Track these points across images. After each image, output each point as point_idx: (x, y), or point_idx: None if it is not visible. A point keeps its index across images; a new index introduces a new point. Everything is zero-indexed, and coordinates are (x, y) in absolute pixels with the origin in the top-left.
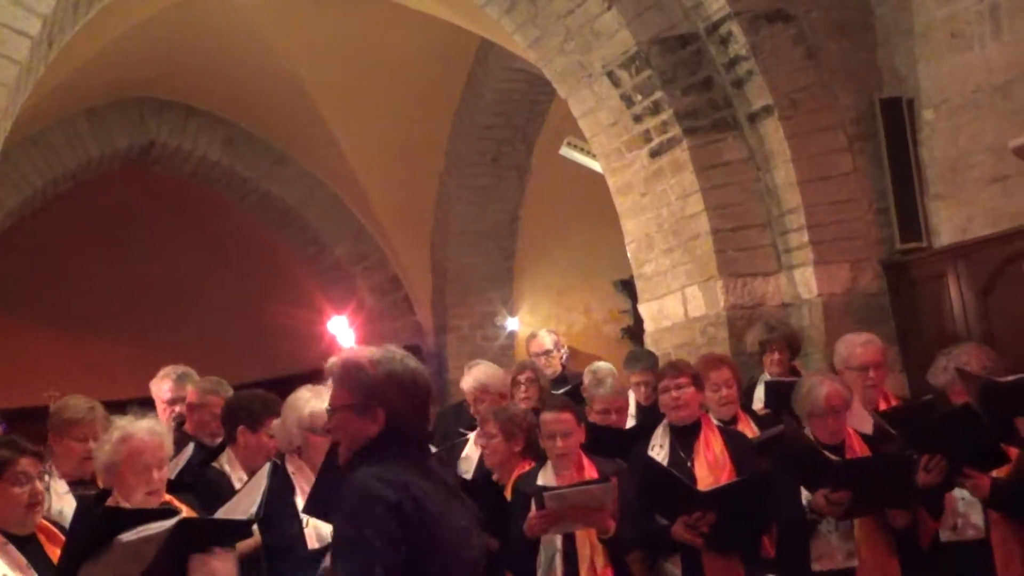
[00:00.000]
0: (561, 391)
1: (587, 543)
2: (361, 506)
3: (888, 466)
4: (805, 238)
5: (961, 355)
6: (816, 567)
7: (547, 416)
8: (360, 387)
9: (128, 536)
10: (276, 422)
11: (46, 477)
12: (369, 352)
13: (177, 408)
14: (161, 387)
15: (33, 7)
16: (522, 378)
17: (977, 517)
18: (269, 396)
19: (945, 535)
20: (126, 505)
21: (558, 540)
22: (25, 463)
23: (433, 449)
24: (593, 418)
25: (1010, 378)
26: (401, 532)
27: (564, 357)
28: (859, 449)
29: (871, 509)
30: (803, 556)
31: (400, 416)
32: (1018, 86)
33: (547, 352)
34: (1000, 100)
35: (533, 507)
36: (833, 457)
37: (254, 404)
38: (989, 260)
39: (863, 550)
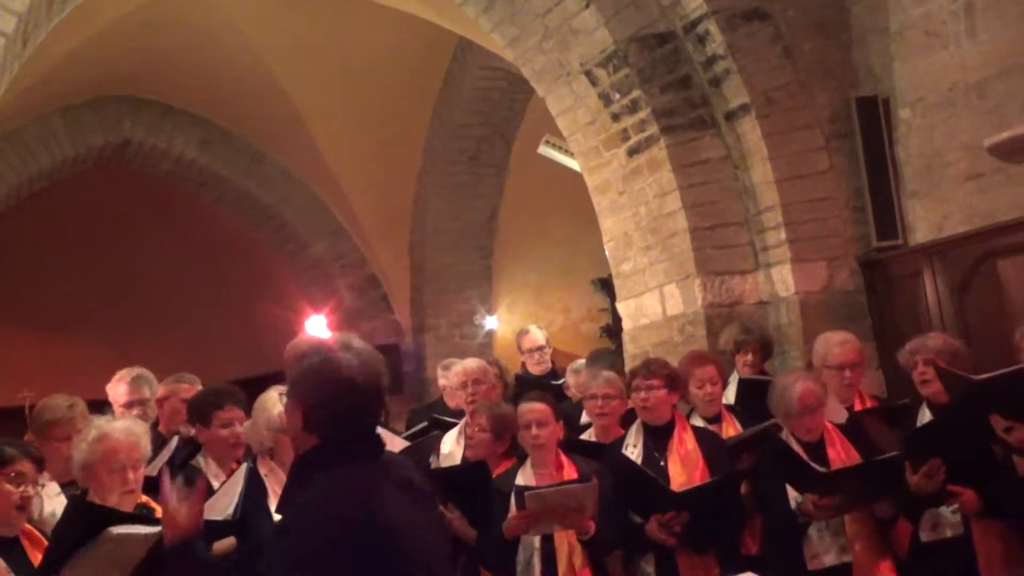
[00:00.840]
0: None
1: (565, 542)
2: (318, 523)
3: (876, 471)
4: (782, 236)
5: (930, 345)
6: (812, 566)
7: (524, 407)
8: (289, 380)
9: (119, 529)
10: (247, 424)
11: (41, 486)
12: (305, 344)
13: (135, 411)
14: (117, 390)
15: (7, 5)
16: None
17: (953, 516)
18: (219, 388)
19: (925, 535)
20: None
21: (536, 539)
22: (26, 466)
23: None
24: (590, 413)
25: (987, 375)
26: (358, 551)
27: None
28: (839, 444)
29: (859, 507)
30: (795, 555)
31: (317, 416)
32: (993, 84)
33: (540, 348)
34: (975, 99)
35: (513, 507)
36: (819, 468)
37: (201, 400)
38: (965, 257)
39: (856, 545)
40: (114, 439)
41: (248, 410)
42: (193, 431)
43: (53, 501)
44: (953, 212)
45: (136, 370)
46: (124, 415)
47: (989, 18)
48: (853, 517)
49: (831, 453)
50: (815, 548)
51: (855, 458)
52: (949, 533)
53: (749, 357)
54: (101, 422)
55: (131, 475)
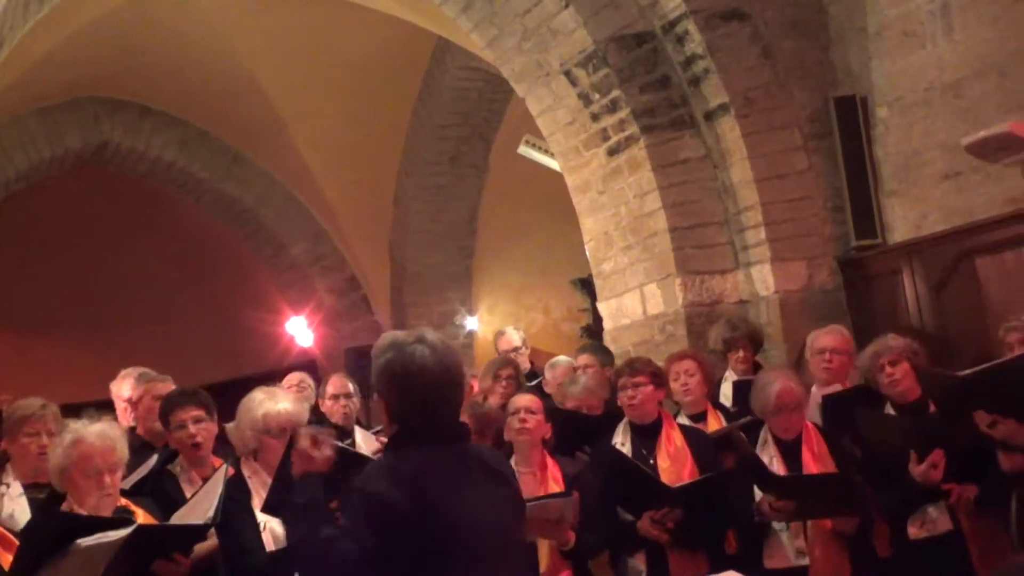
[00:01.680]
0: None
1: (547, 543)
2: (357, 500)
3: (830, 485)
4: (762, 235)
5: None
6: (768, 564)
7: (515, 397)
8: (373, 375)
9: (87, 541)
10: (231, 424)
11: (5, 486)
12: (384, 340)
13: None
14: (122, 387)
15: None
16: (503, 374)
17: (941, 513)
18: (175, 391)
19: (914, 532)
20: (81, 511)
21: None
22: None
23: None
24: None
25: (971, 371)
26: (391, 530)
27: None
28: (816, 445)
29: (815, 516)
30: (758, 554)
31: (396, 407)
32: (969, 84)
33: (516, 349)
34: (952, 98)
35: None
36: (775, 473)
37: (161, 406)
38: (943, 256)
39: (815, 550)
40: (89, 443)
41: (223, 412)
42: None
43: (15, 502)
44: (931, 211)
45: (140, 369)
46: (126, 411)
47: (966, 18)
48: (815, 522)
49: (805, 454)
50: (773, 548)
51: (828, 461)
52: (938, 530)
53: (740, 354)
54: (77, 426)
55: (107, 479)
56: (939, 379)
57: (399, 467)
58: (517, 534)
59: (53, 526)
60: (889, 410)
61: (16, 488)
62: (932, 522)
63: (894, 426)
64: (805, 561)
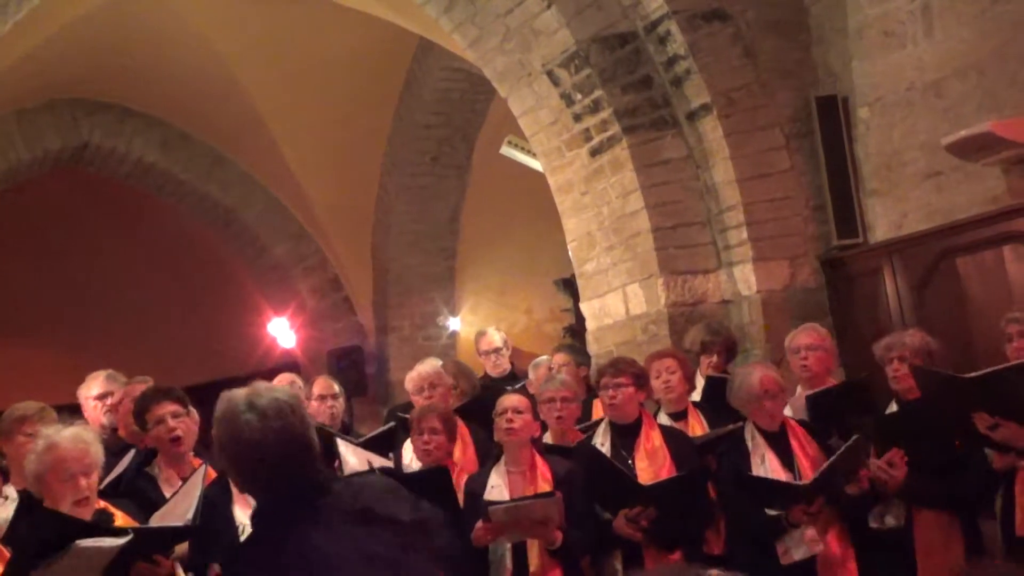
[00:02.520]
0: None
1: (536, 543)
2: None
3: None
4: (744, 235)
5: (907, 342)
6: (785, 560)
7: (502, 398)
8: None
9: (86, 543)
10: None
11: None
12: (220, 405)
13: (108, 401)
14: (90, 387)
15: None
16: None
17: (898, 507)
18: (150, 388)
19: (873, 523)
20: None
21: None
22: None
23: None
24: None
25: (975, 374)
26: None
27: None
28: (801, 436)
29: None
30: (762, 553)
31: (242, 481)
32: (950, 84)
33: (497, 350)
34: (932, 97)
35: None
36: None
37: (136, 406)
38: (924, 255)
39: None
40: (63, 448)
41: (204, 414)
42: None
43: (8, 507)
44: (912, 210)
45: (107, 371)
46: (96, 408)
47: (946, 18)
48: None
49: (794, 444)
50: (785, 543)
51: (815, 450)
52: (892, 523)
53: (714, 359)
54: (50, 431)
55: (83, 482)
56: (939, 379)
57: (257, 546)
58: (404, 563)
59: (50, 527)
60: (894, 406)
61: (11, 491)
62: (889, 516)
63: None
64: (820, 548)
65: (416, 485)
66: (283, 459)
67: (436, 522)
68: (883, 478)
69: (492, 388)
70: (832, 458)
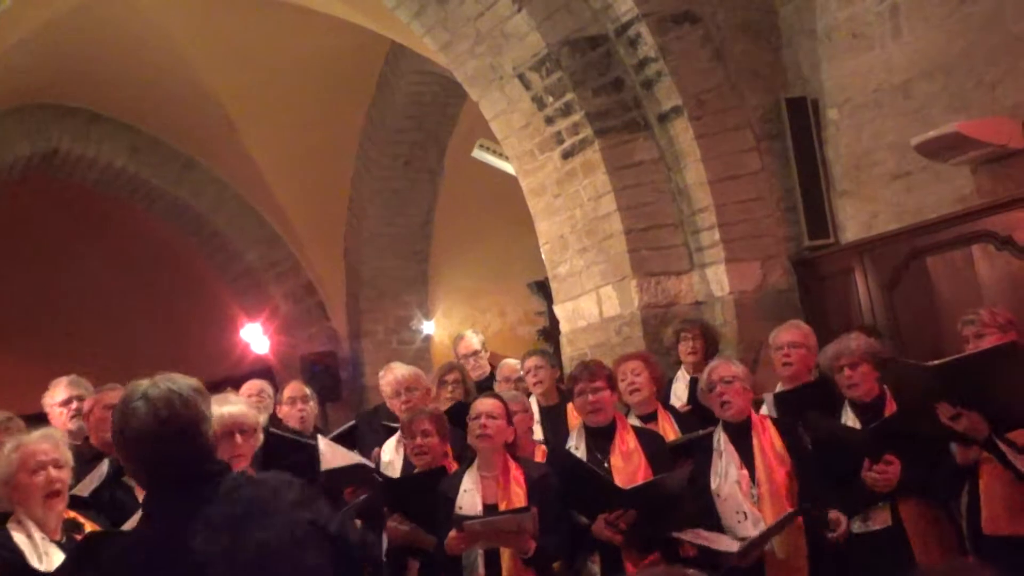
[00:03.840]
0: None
1: (508, 551)
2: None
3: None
4: (716, 237)
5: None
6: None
7: (477, 401)
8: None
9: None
10: None
11: None
12: (122, 395)
13: (74, 405)
14: (54, 394)
15: None
16: (449, 379)
17: (881, 509)
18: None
19: (856, 526)
20: (29, 522)
21: None
22: None
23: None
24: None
25: (936, 362)
26: None
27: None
28: (770, 431)
29: (655, 531)
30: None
31: (128, 470)
32: (917, 85)
33: (475, 353)
34: (901, 99)
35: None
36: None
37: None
38: (894, 254)
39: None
40: (31, 443)
41: None
42: None
43: None
44: (882, 210)
45: (70, 376)
46: (62, 414)
47: (913, 20)
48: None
49: (755, 440)
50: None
51: (780, 448)
52: (877, 526)
53: (690, 344)
54: (18, 436)
55: (54, 472)
56: (904, 369)
57: (142, 541)
58: (288, 561)
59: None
60: (848, 409)
61: None
62: (872, 519)
63: (919, 376)
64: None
65: (413, 486)
66: (167, 449)
67: (338, 523)
68: (878, 479)
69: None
70: (660, 476)
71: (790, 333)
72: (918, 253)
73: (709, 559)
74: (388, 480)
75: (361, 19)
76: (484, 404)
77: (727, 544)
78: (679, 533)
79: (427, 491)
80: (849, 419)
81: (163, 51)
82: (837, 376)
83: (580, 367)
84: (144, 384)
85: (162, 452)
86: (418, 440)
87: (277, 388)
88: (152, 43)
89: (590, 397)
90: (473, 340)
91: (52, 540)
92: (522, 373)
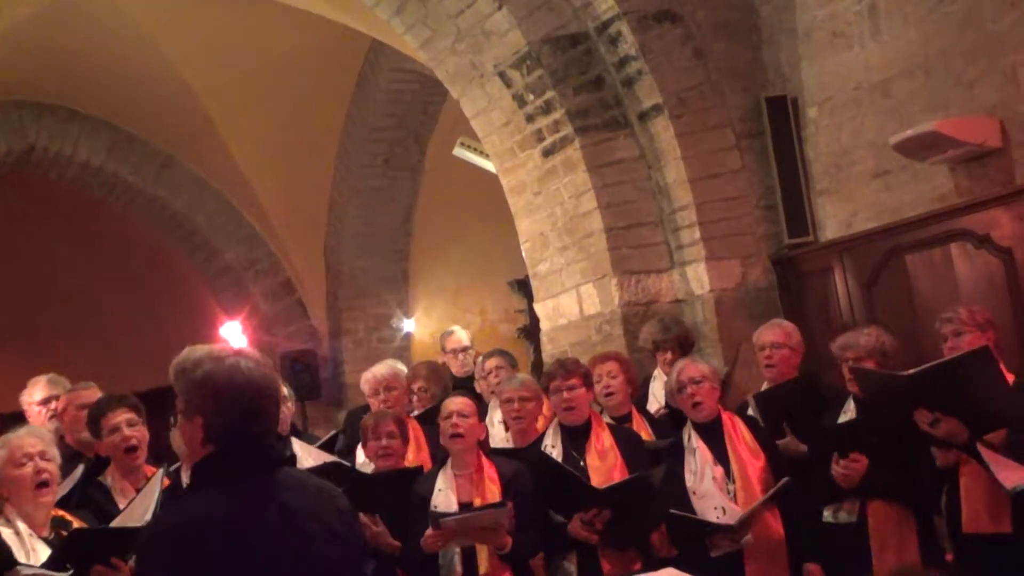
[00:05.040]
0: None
1: (485, 547)
2: (148, 545)
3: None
4: (696, 235)
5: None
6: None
7: (446, 401)
8: (185, 390)
9: (28, 571)
10: (175, 430)
11: None
12: (197, 352)
13: (52, 406)
14: (33, 392)
15: None
16: (415, 387)
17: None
18: (105, 396)
19: (826, 515)
20: (17, 518)
21: None
22: None
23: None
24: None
25: (910, 371)
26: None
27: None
28: (741, 428)
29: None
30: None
31: (217, 426)
32: (896, 84)
33: (465, 349)
34: (879, 97)
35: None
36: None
37: (90, 413)
38: (873, 253)
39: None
40: (18, 437)
41: (153, 419)
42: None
43: None
44: (861, 209)
45: (49, 375)
46: (41, 413)
47: (892, 19)
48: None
49: (726, 437)
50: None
51: (752, 445)
52: (844, 517)
53: (668, 355)
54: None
55: (41, 463)
56: (879, 379)
57: (200, 507)
58: (335, 559)
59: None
60: (851, 403)
61: None
62: (840, 512)
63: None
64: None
65: (387, 483)
66: (267, 408)
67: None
68: (843, 475)
69: (459, 387)
70: (636, 474)
71: (772, 333)
72: (897, 251)
73: (700, 539)
74: (362, 477)
75: (341, 16)
76: (455, 403)
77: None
78: (674, 511)
79: (400, 491)
80: (850, 413)
81: (142, 48)
82: (841, 367)
83: (556, 365)
84: (216, 347)
85: (265, 410)
86: (383, 442)
87: None
88: (131, 40)
89: (565, 395)
90: (462, 336)
91: (40, 536)
92: (484, 374)
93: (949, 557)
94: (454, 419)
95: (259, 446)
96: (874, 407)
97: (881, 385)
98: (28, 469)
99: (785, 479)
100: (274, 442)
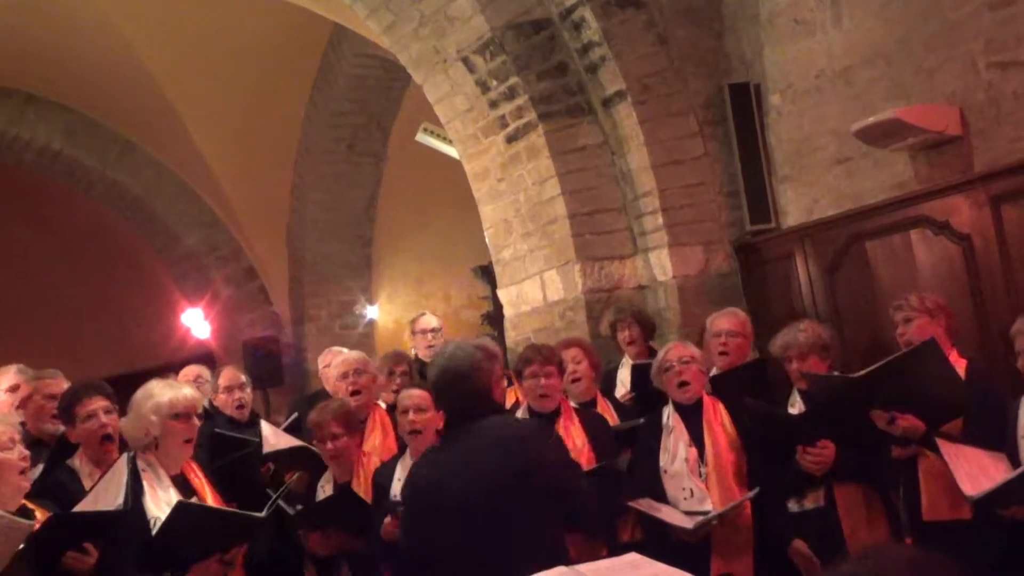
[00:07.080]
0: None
1: None
2: None
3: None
4: (659, 221)
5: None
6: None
7: (403, 394)
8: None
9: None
10: (125, 418)
11: None
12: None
13: (20, 393)
14: (1, 381)
15: None
16: (398, 370)
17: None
18: (79, 384)
19: (791, 506)
20: None
21: None
22: None
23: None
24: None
25: (859, 373)
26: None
27: None
28: (721, 411)
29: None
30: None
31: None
32: (858, 71)
33: (435, 330)
34: (842, 85)
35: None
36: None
37: (63, 399)
38: (834, 239)
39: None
40: None
41: (120, 402)
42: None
43: None
44: (823, 195)
45: (17, 365)
46: (6, 402)
47: (854, 7)
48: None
49: (705, 419)
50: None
51: (731, 429)
52: (810, 505)
53: (627, 333)
54: None
55: (14, 449)
56: (830, 383)
57: (428, 452)
58: (515, 494)
59: None
60: (796, 397)
61: None
62: (805, 499)
63: (846, 388)
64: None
65: (331, 509)
66: (457, 383)
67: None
68: (814, 463)
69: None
70: (603, 463)
71: (728, 321)
72: (858, 238)
73: (657, 530)
74: (310, 508)
75: (303, 0)
76: (411, 398)
77: (680, 519)
78: (633, 502)
79: (347, 507)
80: (797, 407)
81: (101, 31)
82: (786, 366)
83: (533, 350)
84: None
85: (454, 385)
86: (328, 445)
87: (218, 374)
88: (89, 23)
89: (542, 381)
90: (431, 319)
91: None
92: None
93: (908, 542)
94: (411, 415)
95: (455, 409)
96: (828, 408)
97: (834, 388)
98: (14, 454)
99: (755, 490)
100: (466, 404)
